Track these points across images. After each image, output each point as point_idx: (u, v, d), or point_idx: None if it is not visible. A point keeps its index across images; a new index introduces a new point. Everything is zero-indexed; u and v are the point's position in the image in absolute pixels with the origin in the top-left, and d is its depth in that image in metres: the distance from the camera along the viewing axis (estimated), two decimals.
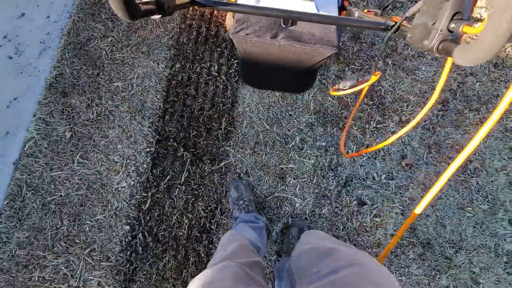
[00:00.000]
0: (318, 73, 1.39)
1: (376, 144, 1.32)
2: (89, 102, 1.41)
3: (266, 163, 1.33)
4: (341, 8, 0.99)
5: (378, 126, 1.36)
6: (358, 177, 1.32)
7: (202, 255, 1.25)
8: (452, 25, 0.40)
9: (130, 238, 1.27)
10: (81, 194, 1.31)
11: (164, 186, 1.32)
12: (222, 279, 0.58)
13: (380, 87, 1.40)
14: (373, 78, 0.65)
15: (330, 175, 1.32)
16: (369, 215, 1.28)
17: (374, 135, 1.35)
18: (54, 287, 1.22)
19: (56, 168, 1.34)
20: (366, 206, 1.29)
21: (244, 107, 1.40)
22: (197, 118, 1.39)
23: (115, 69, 1.45)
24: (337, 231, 1.27)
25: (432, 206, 1.29)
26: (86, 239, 1.27)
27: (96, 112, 1.40)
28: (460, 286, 1.21)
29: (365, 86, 0.66)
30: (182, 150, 1.35)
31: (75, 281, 1.22)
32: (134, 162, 1.35)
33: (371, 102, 1.39)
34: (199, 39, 1.49)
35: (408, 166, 1.33)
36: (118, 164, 1.35)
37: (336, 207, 1.29)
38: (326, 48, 0.85)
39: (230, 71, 1.44)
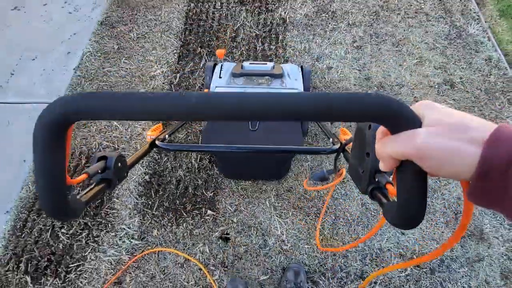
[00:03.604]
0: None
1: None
2: (131, 28, 1.99)
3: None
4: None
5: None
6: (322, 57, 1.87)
7: None
8: (377, 179, 0.37)
9: None
10: (127, 80, 1.78)
11: (188, 70, 1.82)
12: None
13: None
14: (339, 178, 0.65)
15: None
16: (337, 74, 1.79)
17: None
18: (107, 134, 1.59)
19: (108, 66, 1.83)
20: (333, 68, 1.81)
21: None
22: (209, 30, 1.97)
23: (149, 10, 2.07)
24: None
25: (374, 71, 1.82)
26: None
27: (136, 34, 1.96)
28: None
29: (333, 184, 0.68)
30: (200, 48, 1.89)
31: (125, 128, 1.60)
32: (166, 59, 1.86)
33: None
34: None
35: (358, 47, 1.90)
36: (153, 61, 1.85)
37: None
38: (292, 145, 0.88)
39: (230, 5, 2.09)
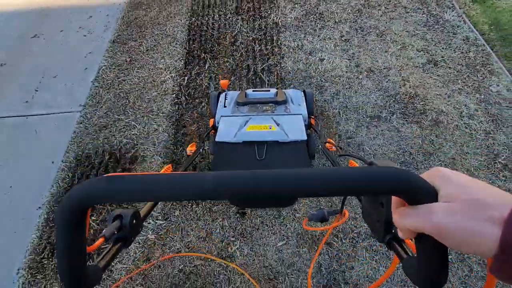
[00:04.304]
0: None
1: None
2: (140, 43, 2.21)
3: None
4: (309, 126, 1.11)
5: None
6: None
7: None
8: (394, 230, 0.34)
9: (176, 99, 1.87)
10: (140, 86, 1.97)
11: (194, 73, 2.00)
12: None
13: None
14: (342, 220, 0.66)
15: None
16: (329, 64, 1.97)
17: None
18: (127, 133, 1.74)
19: (122, 76, 2.03)
20: (325, 60, 1.99)
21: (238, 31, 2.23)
22: (210, 38, 2.19)
23: (155, 26, 2.31)
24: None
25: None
26: (146, 107, 1.86)
27: (146, 47, 2.18)
28: (396, 85, 1.82)
29: (335, 225, 0.68)
30: (203, 54, 2.10)
31: (142, 127, 1.76)
32: (174, 65, 2.06)
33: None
34: (204, 5, 2.43)
35: (346, 40, 2.10)
36: (162, 68, 2.05)
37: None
38: None
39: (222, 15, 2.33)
